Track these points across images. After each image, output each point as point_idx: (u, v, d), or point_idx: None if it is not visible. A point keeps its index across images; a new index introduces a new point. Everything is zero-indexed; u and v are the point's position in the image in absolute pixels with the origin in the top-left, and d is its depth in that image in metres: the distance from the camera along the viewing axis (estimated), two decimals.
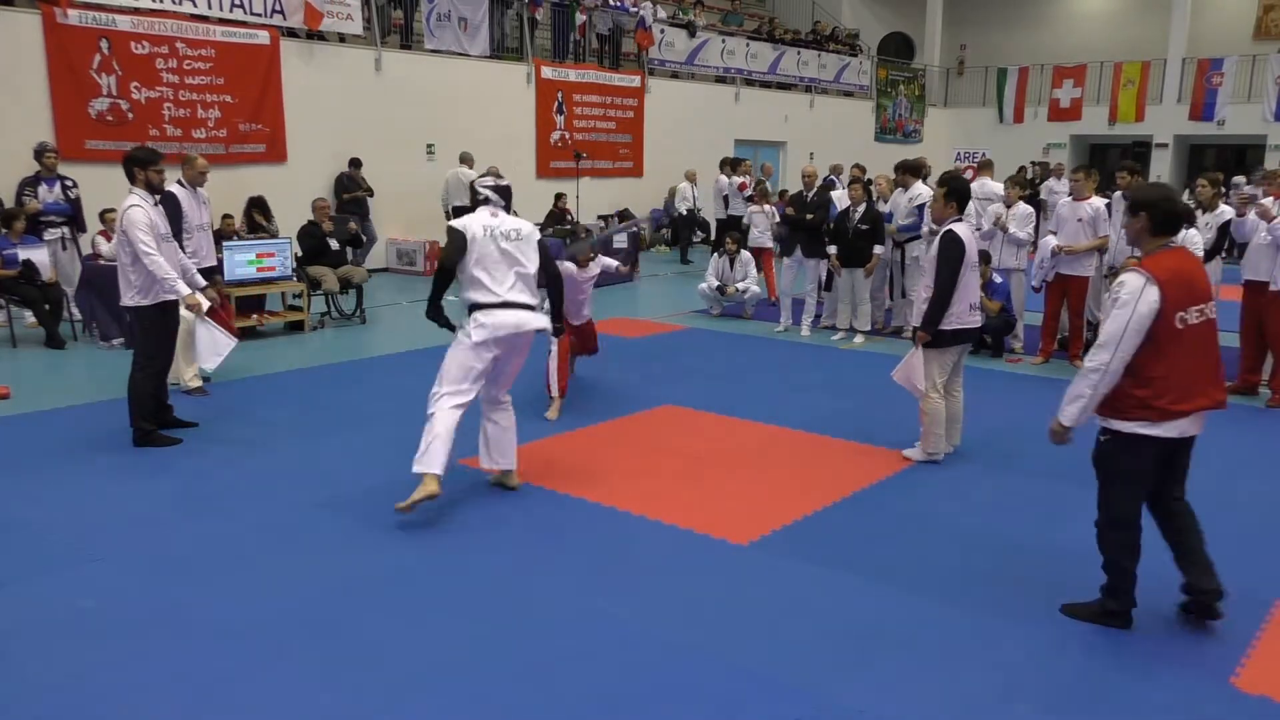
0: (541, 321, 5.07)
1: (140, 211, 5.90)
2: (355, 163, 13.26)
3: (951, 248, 5.55)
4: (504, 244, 4.99)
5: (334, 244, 10.45)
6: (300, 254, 10.30)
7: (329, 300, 10.56)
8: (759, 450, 6.24)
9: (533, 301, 5.05)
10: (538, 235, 5.16)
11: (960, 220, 5.68)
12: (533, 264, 5.06)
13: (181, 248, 6.86)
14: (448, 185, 14.13)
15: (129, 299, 6.01)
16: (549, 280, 5.29)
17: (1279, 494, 5.57)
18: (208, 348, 6.27)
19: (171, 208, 6.95)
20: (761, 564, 4.49)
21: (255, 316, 9.73)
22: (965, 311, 5.66)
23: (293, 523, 4.90)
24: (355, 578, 4.27)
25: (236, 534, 4.75)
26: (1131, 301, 3.56)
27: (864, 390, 7.86)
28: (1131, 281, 3.60)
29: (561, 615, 3.95)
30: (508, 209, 5.17)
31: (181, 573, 4.30)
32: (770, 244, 11.94)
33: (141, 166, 6.02)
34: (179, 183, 7.34)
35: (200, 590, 4.13)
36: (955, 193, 5.70)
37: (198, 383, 7.37)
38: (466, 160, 14.30)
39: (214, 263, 7.71)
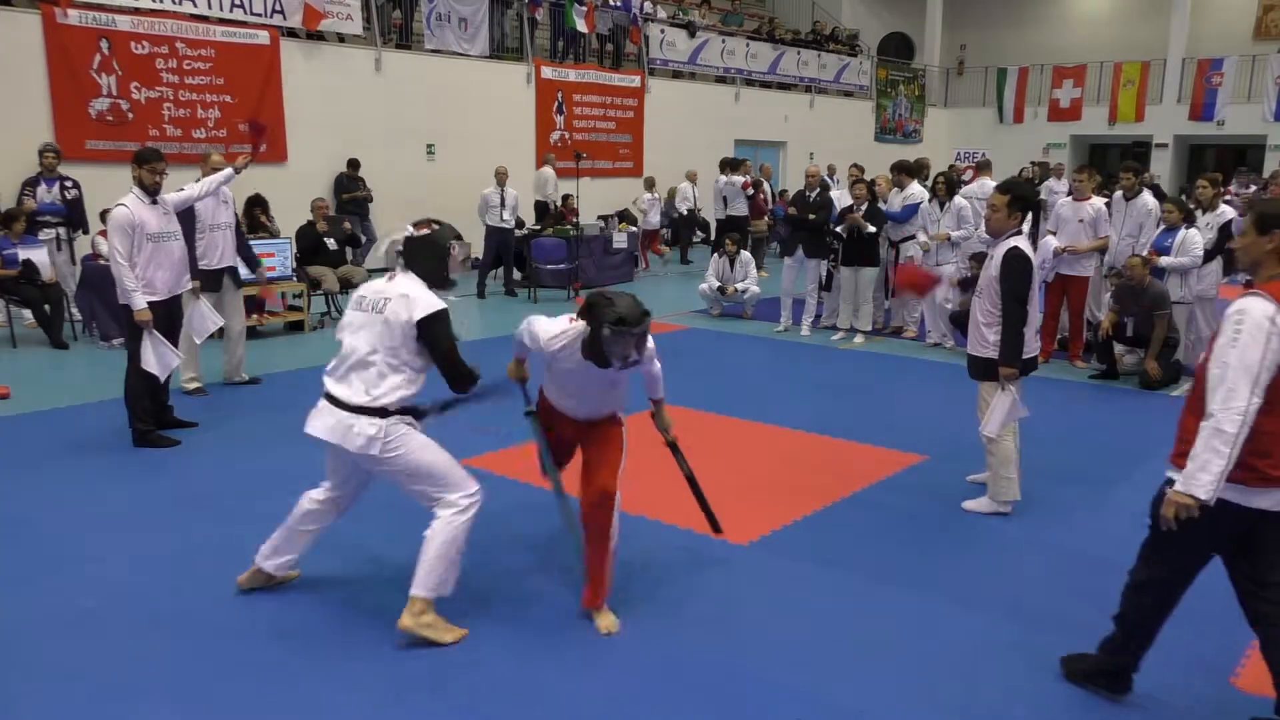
0: (355, 438, 3.60)
1: (124, 212, 5.84)
2: (353, 163, 13.28)
3: (1019, 266, 4.73)
4: (359, 313, 3.72)
5: (331, 244, 10.45)
6: (298, 254, 10.31)
7: (329, 300, 10.57)
8: (759, 450, 6.23)
9: (357, 398, 3.61)
10: (417, 315, 3.58)
11: (1020, 233, 4.85)
12: (377, 345, 3.61)
13: (193, 247, 6.89)
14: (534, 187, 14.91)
15: (124, 297, 5.97)
16: (447, 376, 3.72)
17: None
18: (153, 360, 5.96)
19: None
20: (761, 564, 4.49)
21: (255, 316, 9.72)
22: (1032, 337, 4.93)
23: None
24: (354, 577, 4.27)
25: (236, 534, 4.74)
26: (1263, 334, 2.83)
27: (864, 390, 7.87)
28: (1256, 310, 2.88)
29: (559, 615, 3.95)
30: (429, 272, 3.73)
31: (181, 573, 4.30)
32: (656, 226, 15.64)
33: (136, 165, 5.99)
34: (196, 181, 7.29)
35: (200, 590, 4.13)
36: (1020, 201, 4.84)
37: (195, 384, 7.36)
38: (550, 162, 14.69)
39: (232, 263, 7.52)
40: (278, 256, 9.76)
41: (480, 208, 12.48)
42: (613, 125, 17.75)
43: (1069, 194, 9.89)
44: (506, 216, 12.48)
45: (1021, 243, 4.81)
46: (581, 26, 16.91)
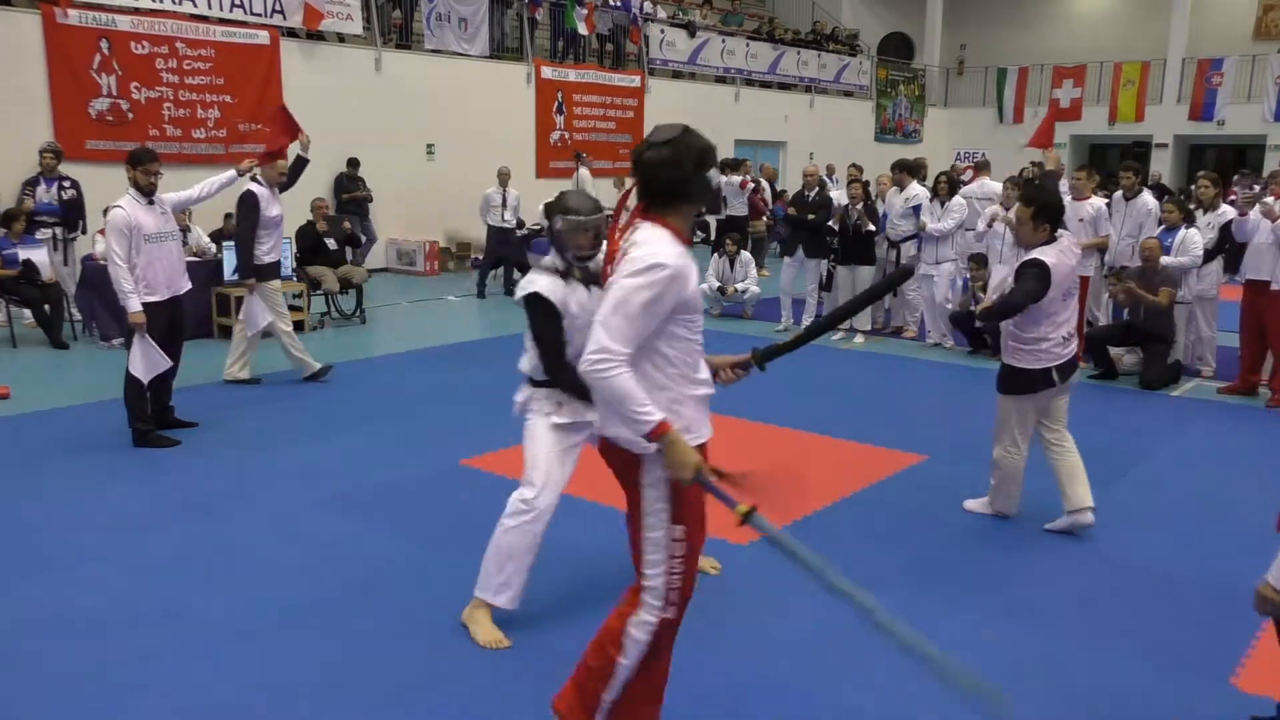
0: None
1: (120, 214, 5.86)
2: (353, 163, 13.30)
3: (1030, 270, 4.60)
4: None
5: (331, 244, 10.45)
6: (298, 253, 10.31)
7: (329, 300, 10.56)
8: (757, 450, 6.23)
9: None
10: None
11: (1052, 243, 4.68)
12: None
13: (255, 243, 7.46)
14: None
15: (121, 299, 5.97)
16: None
17: (1278, 494, 5.57)
18: (140, 362, 5.97)
19: (248, 206, 7.49)
20: (760, 563, 4.48)
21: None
22: (1059, 342, 4.72)
23: (293, 522, 4.90)
24: (355, 577, 4.27)
25: (236, 533, 4.75)
26: None
27: (864, 390, 7.87)
28: None
29: (556, 616, 3.94)
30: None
31: (181, 572, 4.30)
32: None
33: (130, 166, 6.02)
34: (256, 181, 7.70)
35: (200, 590, 4.12)
36: (1046, 211, 4.68)
37: (245, 374, 7.71)
38: (584, 162, 14.94)
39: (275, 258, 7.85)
40: None
41: (481, 207, 12.51)
42: (613, 125, 17.75)
43: (1068, 193, 9.89)
44: (507, 216, 12.45)
45: (1047, 253, 4.63)
46: (582, 29, 16.93)
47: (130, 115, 11.56)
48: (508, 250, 12.66)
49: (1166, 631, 3.88)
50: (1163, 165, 22.55)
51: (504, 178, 12.50)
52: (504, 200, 12.37)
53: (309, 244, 10.32)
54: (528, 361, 3.72)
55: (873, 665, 3.60)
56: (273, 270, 7.71)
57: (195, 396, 7.17)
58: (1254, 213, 7.51)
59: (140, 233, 5.91)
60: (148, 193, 6.04)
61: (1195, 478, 5.78)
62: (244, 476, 5.57)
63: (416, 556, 4.50)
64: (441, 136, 14.84)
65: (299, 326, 9.96)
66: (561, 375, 3.57)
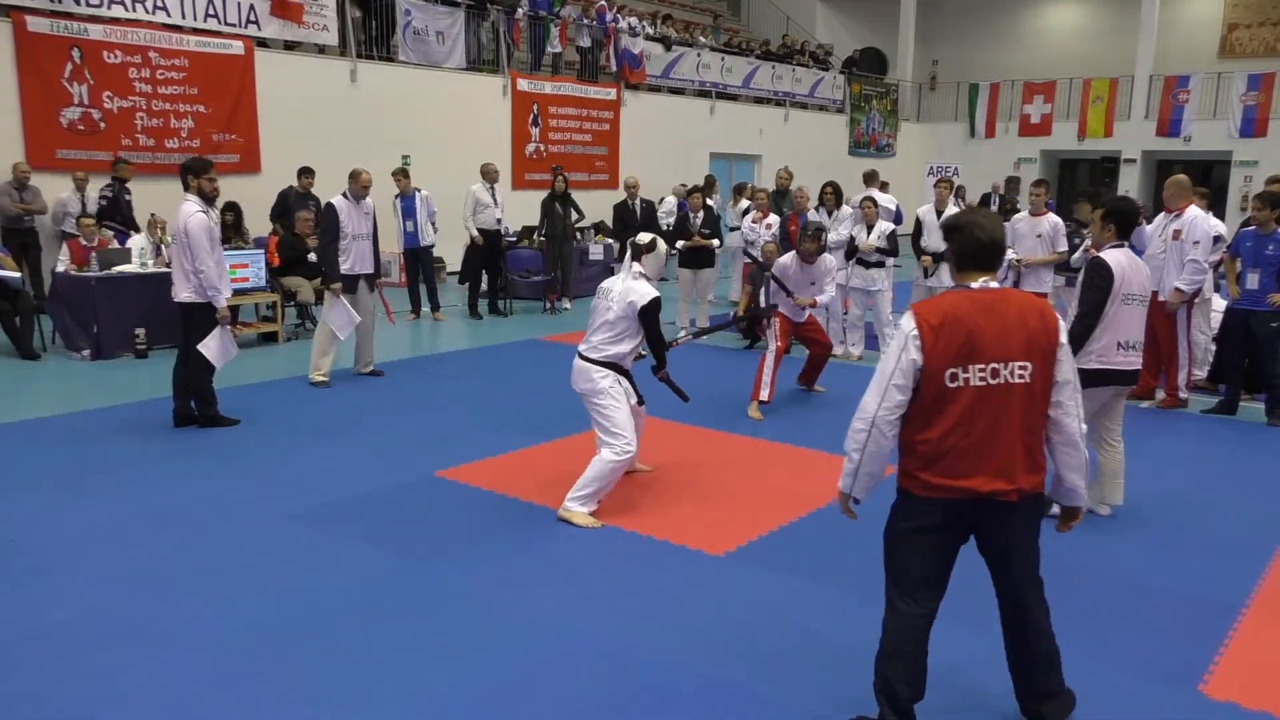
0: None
1: (202, 218, 6.31)
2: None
3: (1095, 274, 4.83)
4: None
5: (312, 257, 10.38)
6: (278, 264, 10.23)
7: (302, 311, 10.50)
8: (735, 462, 6.26)
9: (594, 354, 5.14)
10: (632, 301, 5.04)
11: (1120, 246, 4.94)
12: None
13: (337, 255, 7.85)
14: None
15: (185, 295, 6.42)
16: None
17: (1243, 501, 5.66)
18: (215, 350, 6.57)
19: (330, 218, 7.87)
20: (738, 574, 4.50)
21: (229, 327, 9.63)
22: (1111, 349, 4.88)
23: (265, 535, 4.86)
24: (327, 590, 4.24)
25: (208, 546, 4.71)
26: None
27: (843, 403, 7.91)
28: None
29: (537, 628, 3.94)
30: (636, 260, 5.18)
31: (153, 585, 4.26)
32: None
33: (195, 175, 6.42)
34: (343, 195, 7.98)
35: (172, 602, 4.09)
36: (1111, 215, 4.95)
37: (322, 377, 7.99)
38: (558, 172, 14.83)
39: (371, 270, 8.23)
40: (251, 267, 9.70)
41: (467, 209, 11.58)
42: (589, 138, 17.79)
43: (1026, 208, 10.09)
44: (500, 216, 11.63)
45: (1111, 254, 4.88)
46: (557, 46, 17.07)
47: (102, 125, 11.46)
48: (496, 256, 11.86)
49: (1137, 638, 3.93)
50: (1131, 181, 22.89)
51: (492, 175, 11.61)
52: (494, 198, 11.54)
53: (293, 255, 10.24)
54: (623, 347, 5.10)
55: (850, 676, 3.61)
56: (348, 283, 8.04)
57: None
58: (1150, 226, 7.72)
59: (213, 236, 6.38)
60: (211, 199, 6.48)
61: (1167, 486, 5.86)
62: (217, 488, 5.53)
63: (388, 570, 4.48)
64: (417, 148, 14.80)
65: (273, 337, 9.92)
66: (664, 356, 5.40)
